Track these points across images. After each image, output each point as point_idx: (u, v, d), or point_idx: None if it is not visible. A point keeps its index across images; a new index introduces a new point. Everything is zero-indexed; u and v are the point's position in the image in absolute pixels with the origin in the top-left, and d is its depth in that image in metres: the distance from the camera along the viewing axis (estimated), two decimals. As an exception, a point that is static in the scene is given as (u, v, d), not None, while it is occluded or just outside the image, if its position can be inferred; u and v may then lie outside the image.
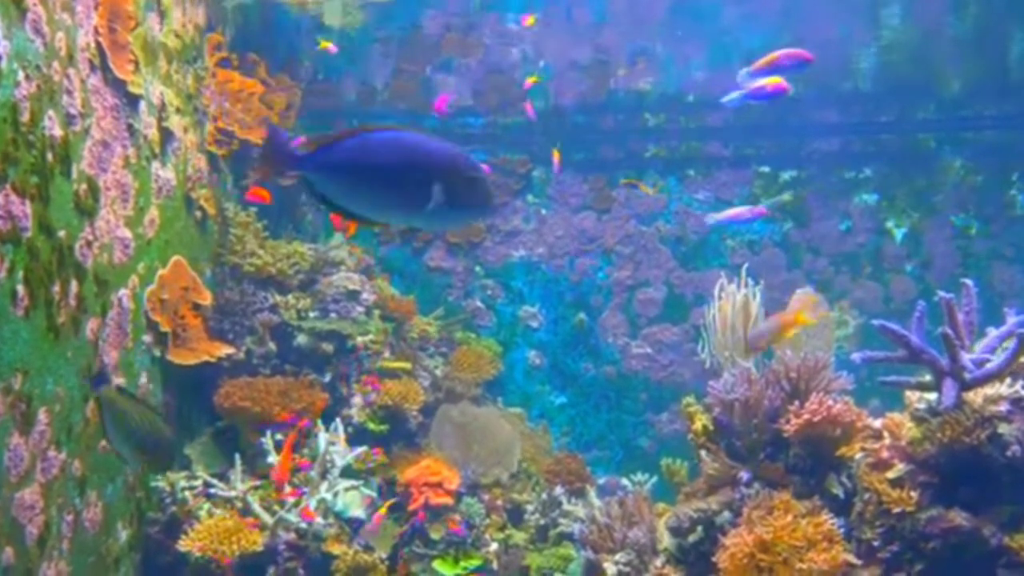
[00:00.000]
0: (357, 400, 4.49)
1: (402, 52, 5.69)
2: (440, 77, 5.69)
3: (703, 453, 3.23)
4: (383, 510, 3.85)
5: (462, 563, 4.06)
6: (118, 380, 3.49)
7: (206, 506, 3.78)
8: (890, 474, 2.74)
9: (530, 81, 4.83)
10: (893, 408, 2.97)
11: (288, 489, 3.77)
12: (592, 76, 5.64)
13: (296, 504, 3.76)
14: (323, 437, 3.98)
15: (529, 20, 4.91)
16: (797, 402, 2.99)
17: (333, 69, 5.69)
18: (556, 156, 5.34)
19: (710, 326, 3.94)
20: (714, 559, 2.86)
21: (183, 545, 3.54)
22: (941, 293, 2.67)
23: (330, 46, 4.90)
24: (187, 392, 4.17)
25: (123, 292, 3.56)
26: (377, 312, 4.91)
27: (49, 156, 2.98)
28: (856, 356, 2.75)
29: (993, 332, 2.76)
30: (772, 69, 3.50)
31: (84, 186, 3.24)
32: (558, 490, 4.50)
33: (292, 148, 2.04)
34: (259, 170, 2.17)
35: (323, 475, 3.91)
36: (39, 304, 2.90)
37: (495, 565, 4.12)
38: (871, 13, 5.18)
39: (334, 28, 5.43)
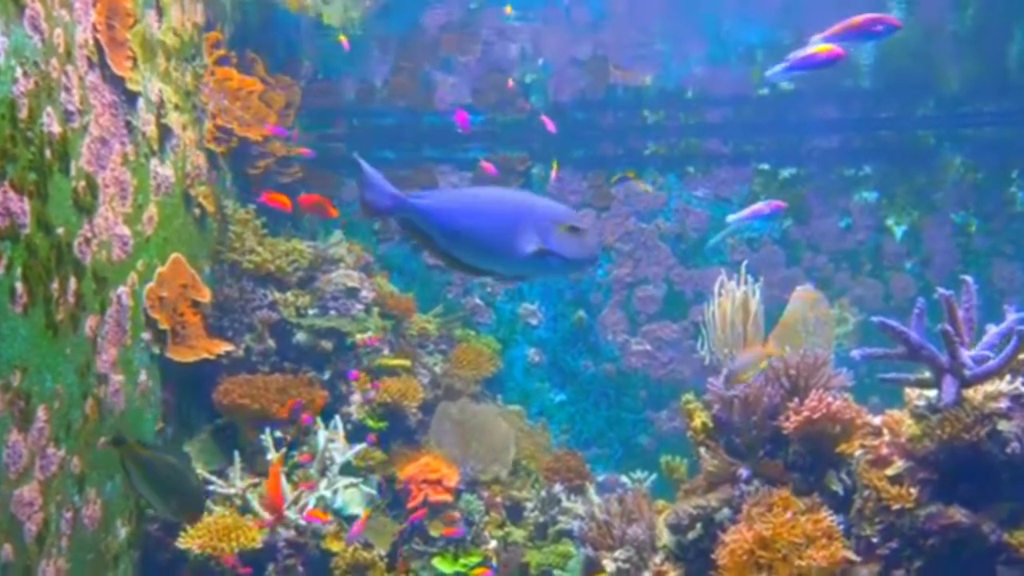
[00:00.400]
0: (356, 397, 4.49)
1: (401, 50, 5.69)
2: (439, 75, 5.69)
3: (702, 450, 3.23)
4: (365, 516, 3.81)
5: (461, 560, 4.06)
6: (117, 377, 3.49)
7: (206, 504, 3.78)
8: (889, 471, 2.73)
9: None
10: (893, 405, 2.97)
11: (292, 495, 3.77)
12: (591, 73, 5.63)
13: (296, 501, 3.76)
14: (322, 434, 3.98)
15: (507, 9, 4.95)
16: (797, 399, 2.99)
17: (332, 68, 5.68)
18: (554, 170, 5.38)
19: (710, 323, 3.94)
20: (713, 556, 2.86)
21: (182, 542, 3.54)
22: (941, 290, 2.67)
23: (344, 40, 4.91)
24: (186, 389, 4.17)
25: (122, 289, 3.56)
26: (376, 309, 4.91)
27: (47, 153, 2.98)
28: (856, 353, 2.75)
29: (993, 329, 2.76)
30: (851, 34, 3.17)
31: (83, 183, 3.23)
32: (557, 487, 4.50)
33: (392, 189, 2.10)
34: (366, 210, 2.20)
35: (322, 472, 3.91)
36: (38, 301, 2.89)
37: (494, 562, 4.12)
38: (872, 7, 5.17)
39: (334, 26, 5.43)
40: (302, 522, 3.71)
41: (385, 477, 4.30)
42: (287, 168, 5.39)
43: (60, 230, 3.06)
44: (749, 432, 3.10)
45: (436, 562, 4.04)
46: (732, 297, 3.80)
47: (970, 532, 2.57)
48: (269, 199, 4.47)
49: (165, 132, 4.05)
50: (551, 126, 4.93)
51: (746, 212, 4.44)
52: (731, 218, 4.57)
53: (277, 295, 4.60)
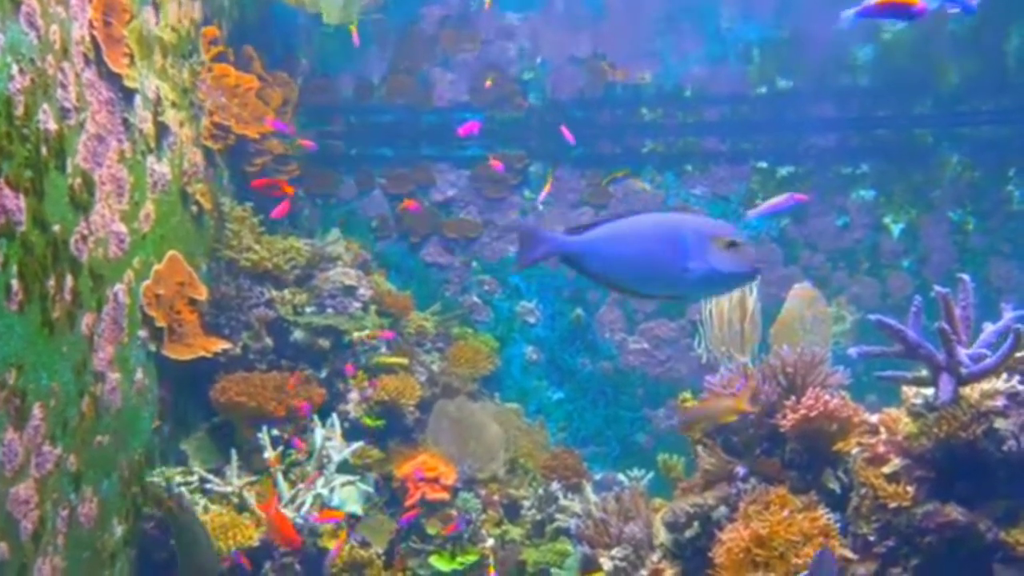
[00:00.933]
0: (354, 395, 4.49)
1: (399, 48, 5.68)
2: (437, 71, 5.68)
3: (699, 448, 3.23)
4: (342, 539, 3.77)
5: (459, 558, 4.06)
6: (114, 375, 3.48)
7: (202, 501, 3.78)
8: (886, 469, 2.74)
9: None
10: (890, 403, 2.97)
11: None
12: (590, 71, 5.63)
13: (293, 500, 3.76)
14: (319, 432, 3.98)
15: (487, 2, 4.98)
16: (794, 397, 2.99)
17: (330, 65, 5.67)
18: (548, 184, 5.40)
19: (707, 322, 3.94)
20: (710, 554, 2.86)
21: (179, 540, 3.54)
22: (938, 288, 2.67)
23: (355, 33, 4.92)
24: (183, 387, 4.16)
25: (119, 287, 3.55)
26: (374, 307, 4.91)
27: (43, 150, 2.97)
28: (853, 351, 2.75)
29: (990, 327, 2.76)
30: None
31: (79, 180, 3.23)
32: (555, 485, 4.50)
33: (547, 235, 2.21)
34: (524, 257, 2.29)
35: (319, 470, 3.91)
36: (34, 299, 2.89)
37: (492, 560, 4.12)
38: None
39: (332, 24, 5.41)
40: (299, 521, 3.71)
41: (382, 475, 4.30)
42: (284, 166, 5.38)
43: (56, 227, 3.05)
44: (746, 430, 3.10)
45: (433, 560, 4.04)
46: (729, 296, 3.81)
47: (967, 530, 2.57)
48: (260, 186, 4.45)
49: (162, 129, 4.04)
50: (570, 137, 4.93)
51: (765, 206, 4.43)
52: (752, 212, 4.56)
53: (274, 293, 4.60)
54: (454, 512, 4.18)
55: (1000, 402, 2.63)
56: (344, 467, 4.03)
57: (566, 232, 2.21)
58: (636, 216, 2.20)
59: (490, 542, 4.18)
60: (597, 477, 5.06)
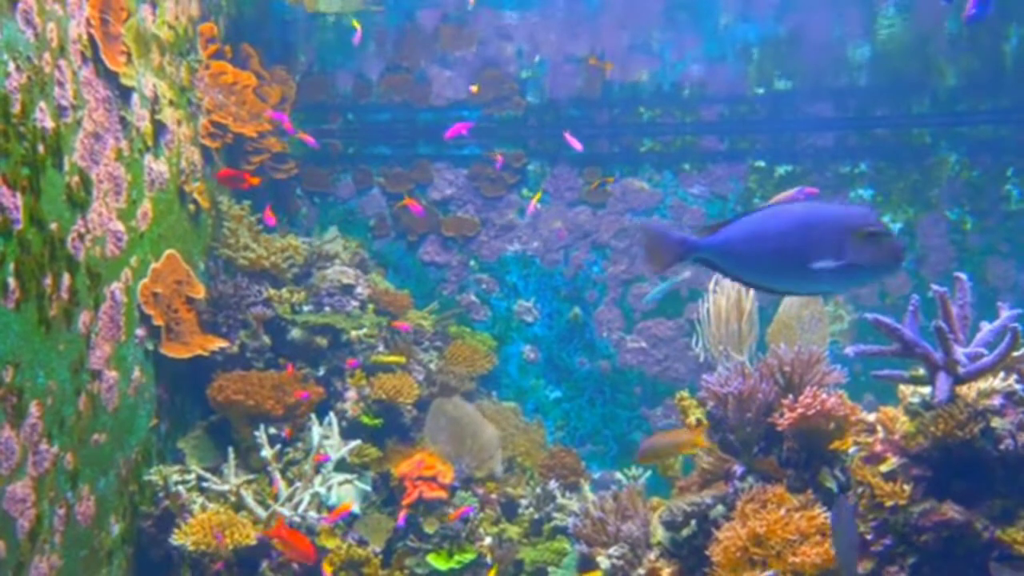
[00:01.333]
0: (351, 394, 4.48)
1: (397, 45, 5.67)
2: (435, 69, 5.67)
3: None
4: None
5: (456, 557, 4.06)
6: (111, 373, 3.48)
7: (199, 500, 3.77)
8: (883, 468, 2.74)
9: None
10: (887, 402, 2.97)
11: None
12: (587, 70, 5.63)
13: (291, 498, 3.75)
14: (316, 431, 3.97)
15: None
16: (791, 396, 2.99)
17: (328, 62, 5.67)
18: (534, 201, 5.40)
19: (704, 320, 3.94)
20: (707, 553, 2.86)
21: (176, 539, 3.54)
22: (935, 287, 2.67)
23: (359, 31, 4.92)
24: (180, 386, 4.16)
25: (116, 285, 3.54)
26: (371, 306, 4.90)
27: (40, 148, 2.96)
28: (850, 350, 2.75)
29: (987, 326, 2.76)
30: None
31: (76, 178, 3.22)
32: (552, 484, 4.50)
33: (677, 236, 2.13)
34: (655, 263, 2.23)
35: (317, 469, 3.91)
36: (30, 297, 2.88)
37: (489, 559, 4.12)
38: (868, 6, 5.19)
39: (329, 19, 5.41)
40: (296, 519, 3.71)
41: (380, 474, 4.29)
42: (282, 164, 5.38)
43: (53, 225, 3.04)
44: (744, 429, 3.10)
45: (431, 559, 4.04)
46: (727, 295, 3.81)
47: (963, 529, 2.57)
48: (224, 177, 4.44)
49: (159, 127, 4.03)
50: (577, 144, 4.93)
51: (779, 198, 4.43)
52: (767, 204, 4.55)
53: (272, 291, 4.59)
54: (452, 510, 4.18)
55: (997, 401, 2.64)
56: (342, 466, 4.03)
57: (699, 232, 2.15)
58: (770, 210, 2.09)
59: (488, 541, 4.18)
60: (595, 476, 5.06)
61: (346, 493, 4.00)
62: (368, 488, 4.13)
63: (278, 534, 3.50)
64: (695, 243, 2.15)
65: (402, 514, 4.06)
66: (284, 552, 3.57)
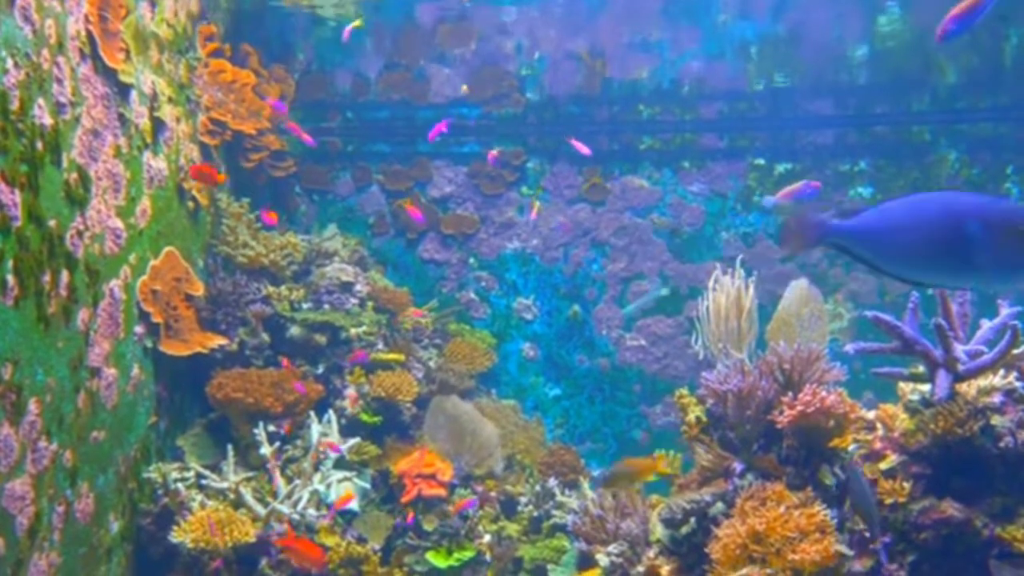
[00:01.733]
0: (351, 392, 4.48)
1: (395, 43, 5.66)
2: (434, 67, 5.67)
3: (697, 445, 3.23)
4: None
5: (455, 555, 4.06)
6: (110, 371, 3.48)
7: (199, 497, 3.77)
8: (883, 465, 2.74)
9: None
10: (886, 400, 2.98)
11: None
12: (587, 67, 5.62)
13: (289, 495, 3.75)
14: (316, 428, 3.97)
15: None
16: (791, 393, 2.99)
17: (327, 60, 5.66)
18: (536, 205, 5.40)
19: (704, 318, 3.94)
20: (707, 550, 2.86)
21: (175, 536, 3.53)
22: (935, 285, 2.66)
23: (360, 25, 4.90)
24: (179, 383, 4.16)
25: (115, 283, 3.54)
26: (371, 304, 4.90)
27: (39, 145, 2.96)
28: (850, 347, 2.76)
29: (987, 324, 2.76)
30: None
31: (75, 175, 3.22)
32: (552, 482, 4.50)
33: (815, 219, 2.03)
34: (792, 245, 2.14)
35: (316, 466, 3.91)
36: (29, 294, 2.88)
37: (488, 556, 4.12)
38: (868, 3, 5.18)
39: (329, 19, 5.40)
40: (295, 516, 3.71)
41: (379, 471, 4.29)
42: (281, 162, 5.37)
43: (52, 222, 3.04)
44: (743, 426, 3.10)
45: (430, 556, 4.03)
46: (726, 292, 3.81)
47: (963, 526, 2.57)
48: (197, 172, 4.42)
49: (158, 125, 4.03)
50: (584, 149, 4.93)
51: (785, 192, 4.42)
52: (768, 199, 4.55)
53: (271, 289, 4.59)
54: (451, 508, 4.17)
55: (997, 399, 2.64)
56: (341, 463, 4.02)
57: (837, 215, 2.03)
58: (915, 197, 1.99)
59: (487, 538, 4.17)
60: (594, 473, 5.06)
61: (345, 491, 4.00)
62: (367, 486, 4.12)
63: (291, 545, 3.50)
64: (835, 227, 2.04)
65: (411, 515, 4.05)
66: (294, 561, 3.56)
